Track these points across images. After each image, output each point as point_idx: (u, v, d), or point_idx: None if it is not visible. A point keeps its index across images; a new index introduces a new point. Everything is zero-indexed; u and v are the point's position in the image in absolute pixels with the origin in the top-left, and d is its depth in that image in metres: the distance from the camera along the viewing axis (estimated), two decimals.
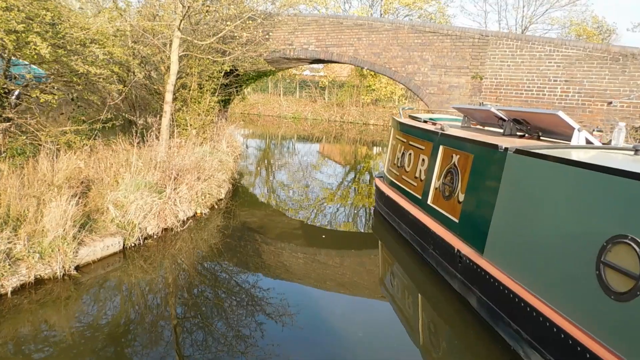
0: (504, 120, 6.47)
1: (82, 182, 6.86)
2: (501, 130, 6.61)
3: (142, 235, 6.60)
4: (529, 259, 4.31)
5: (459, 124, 8.22)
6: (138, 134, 8.68)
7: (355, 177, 16.05)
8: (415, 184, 7.35)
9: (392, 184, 8.55)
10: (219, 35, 9.58)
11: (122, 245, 6.22)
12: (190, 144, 10.23)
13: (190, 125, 11.39)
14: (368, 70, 29.66)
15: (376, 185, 9.43)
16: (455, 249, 5.41)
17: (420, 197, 7.02)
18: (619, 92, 10.78)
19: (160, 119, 9.91)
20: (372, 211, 10.46)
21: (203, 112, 11.60)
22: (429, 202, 6.68)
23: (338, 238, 8.65)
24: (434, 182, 6.65)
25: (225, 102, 15.66)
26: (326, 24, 14.39)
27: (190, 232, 7.68)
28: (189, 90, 11.37)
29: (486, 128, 7.68)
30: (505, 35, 12.28)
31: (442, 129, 6.83)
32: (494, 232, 4.86)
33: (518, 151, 4.70)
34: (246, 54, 11.34)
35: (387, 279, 6.93)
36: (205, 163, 9.19)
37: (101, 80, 7.19)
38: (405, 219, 7.34)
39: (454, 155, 6.21)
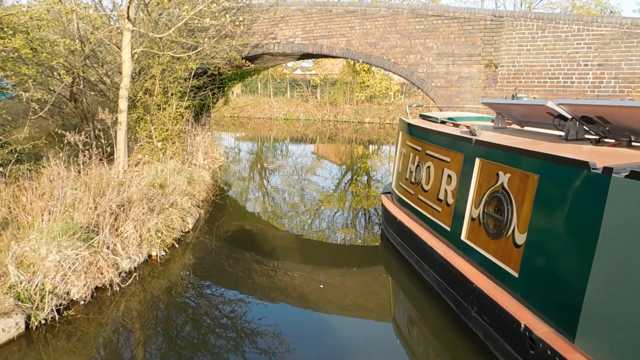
0: (565, 118, 4.56)
1: None
2: (560, 133, 4.71)
3: (59, 305, 4.64)
4: None
5: (488, 123, 6.33)
6: (74, 153, 6.75)
7: (352, 178, 14.56)
8: (440, 210, 5.41)
9: (403, 204, 6.62)
10: (178, 25, 7.65)
11: (23, 325, 4.27)
12: (150, 161, 8.30)
13: (155, 137, 9.46)
14: (361, 66, 27.88)
15: (383, 205, 7.48)
16: (522, 325, 3.49)
17: (448, 228, 5.09)
18: None
19: (109, 131, 7.97)
20: (373, 216, 9.21)
21: (169, 120, 9.65)
22: (463, 237, 4.76)
23: (339, 254, 7.53)
24: (470, 210, 4.72)
25: (202, 107, 13.69)
26: (313, 12, 12.57)
27: (142, 282, 5.82)
28: (151, 94, 9.42)
29: (526, 128, 5.77)
30: (523, 15, 10.42)
31: (473, 133, 4.94)
32: (595, 306, 2.96)
33: (635, 175, 2.80)
34: (215, 47, 9.38)
35: (405, 330, 5.16)
36: (166, 187, 7.24)
37: (9, 87, 5.23)
38: (429, 257, 5.39)
39: (501, 173, 4.29)
